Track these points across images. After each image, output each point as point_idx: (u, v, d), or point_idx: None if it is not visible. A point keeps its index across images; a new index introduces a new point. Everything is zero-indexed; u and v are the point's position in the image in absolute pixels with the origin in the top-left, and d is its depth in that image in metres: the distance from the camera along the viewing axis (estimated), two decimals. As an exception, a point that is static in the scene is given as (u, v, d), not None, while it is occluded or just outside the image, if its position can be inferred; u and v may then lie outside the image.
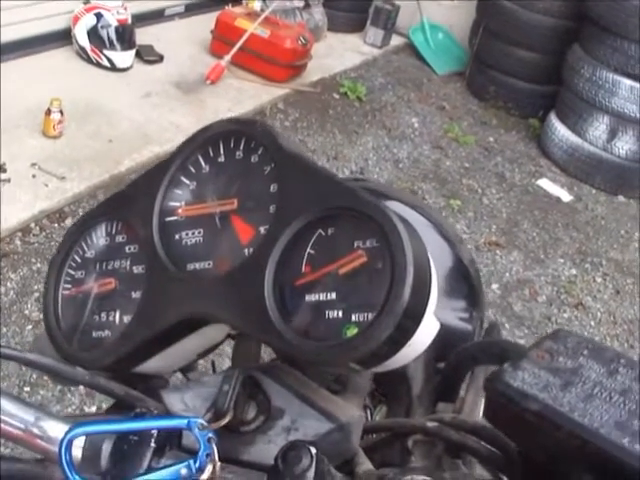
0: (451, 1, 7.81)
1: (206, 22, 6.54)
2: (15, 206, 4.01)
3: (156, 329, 0.85)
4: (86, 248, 0.95)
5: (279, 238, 0.79)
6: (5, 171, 4.18)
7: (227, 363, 1.15)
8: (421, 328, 0.76)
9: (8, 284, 3.66)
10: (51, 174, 4.29)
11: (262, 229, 0.82)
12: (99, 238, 0.94)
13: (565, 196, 6.01)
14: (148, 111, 5.29)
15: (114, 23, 5.59)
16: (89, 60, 5.67)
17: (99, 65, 5.66)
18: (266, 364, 0.96)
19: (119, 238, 0.93)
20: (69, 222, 4.02)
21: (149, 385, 0.94)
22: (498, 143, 6.62)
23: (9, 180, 4.14)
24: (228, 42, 6.11)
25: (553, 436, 0.71)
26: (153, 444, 0.76)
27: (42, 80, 5.13)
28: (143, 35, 6.08)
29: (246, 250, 0.82)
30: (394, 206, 1.05)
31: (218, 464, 0.71)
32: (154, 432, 0.76)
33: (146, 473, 0.73)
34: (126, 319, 0.88)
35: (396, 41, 7.99)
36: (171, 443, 0.79)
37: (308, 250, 0.78)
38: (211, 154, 0.90)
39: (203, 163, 0.90)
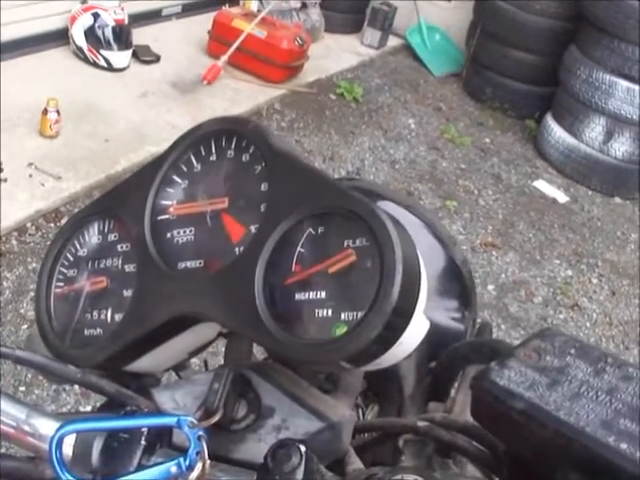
0: (448, 2, 7.81)
1: (203, 22, 6.54)
2: (11, 205, 4.01)
3: (147, 327, 0.85)
4: (78, 246, 0.95)
5: (269, 237, 0.79)
6: (2, 170, 4.17)
7: (221, 362, 1.16)
8: (411, 327, 0.76)
9: (4, 283, 3.66)
10: (47, 174, 4.29)
11: (253, 228, 0.82)
12: (91, 236, 0.95)
13: (561, 197, 6.02)
14: (145, 111, 5.29)
15: (111, 23, 5.59)
16: (86, 60, 5.68)
17: (96, 65, 5.66)
18: (257, 363, 0.97)
19: (111, 236, 0.93)
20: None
21: (141, 383, 0.94)
22: (494, 144, 6.63)
23: (5, 180, 4.14)
24: (225, 42, 6.11)
25: (539, 434, 0.71)
26: (143, 442, 0.76)
27: (39, 80, 5.13)
28: (140, 35, 6.08)
29: (237, 249, 0.82)
30: (386, 206, 1.06)
31: (208, 462, 0.72)
32: (144, 430, 0.76)
33: (136, 471, 0.73)
34: (118, 317, 0.88)
35: (393, 42, 7.99)
36: (162, 441, 0.79)
37: (298, 249, 0.79)
38: (203, 153, 0.90)
39: (195, 162, 0.90)
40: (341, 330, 0.73)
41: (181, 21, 6.99)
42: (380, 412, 1.32)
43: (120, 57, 5.71)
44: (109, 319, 0.89)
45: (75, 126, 4.80)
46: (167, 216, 0.90)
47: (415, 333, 0.78)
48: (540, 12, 6.58)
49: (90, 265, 0.93)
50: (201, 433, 0.72)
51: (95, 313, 0.90)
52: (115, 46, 5.66)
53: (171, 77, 5.90)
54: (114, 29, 5.62)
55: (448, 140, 6.43)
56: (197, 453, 0.71)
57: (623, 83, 5.91)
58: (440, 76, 7.68)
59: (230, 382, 0.80)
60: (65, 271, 0.95)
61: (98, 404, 0.94)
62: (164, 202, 0.90)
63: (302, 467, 0.71)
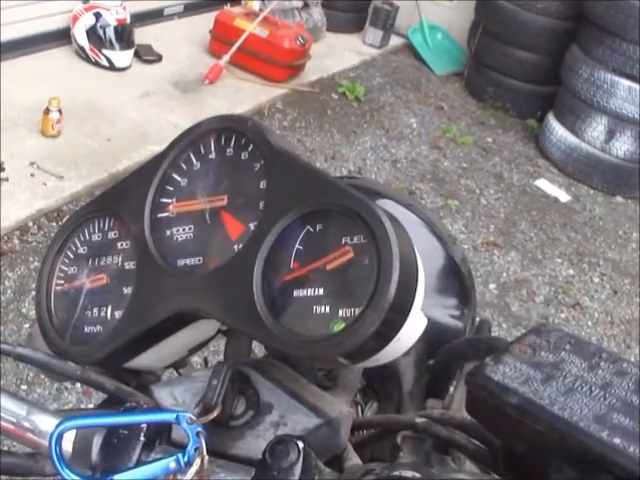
0: (450, 2, 7.81)
1: (205, 22, 6.54)
2: (13, 205, 4.01)
3: (147, 324, 0.85)
4: (79, 244, 0.96)
5: (268, 234, 0.80)
6: (4, 170, 4.18)
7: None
8: (408, 324, 0.76)
9: (6, 282, 3.67)
10: (49, 173, 4.30)
11: (251, 225, 0.83)
12: (92, 234, 0.95)
13: (563, 196, 6.01)
14: (147, 110, 5.29)
15: (113, 23, 5.59)
16: (88, 59, 5.68)
17: (98, 64, 5.67)
18: (256, 360, 0.97)
19: (111, 234, 0.93)
20: (67, 221, 4.02)
21: (140, 381, 0.95)
22: (496, 143, 6.62)
23: (7, 179, 4.15)
24: (227, 42, 6.12)
25: (533, 429, 0.71)
26: (143, 438, 0.77)
27: (41, 79, 5.14)
28: (142, 35, 6.08)
29: (235, 246, 0.83)
30: (386, 204, 1.07)
31: (206, 458, 0.72)
32: (144, 426, 0.77)
33: (135, 467, 0.74)
34: (117, 314, 0.89)
35: (395, 41, 7.99)
36: (161, 437, 0.80)
37: (296, 246, 0.79)
38: (202, 151, 0.91)
39: (194, 160, 0.91)
40: (339, 326, 0.74)
41: (183, 20, 7.00)
42: (379, 409, 1.32)
43: (122, 56, 5.71)
44: (109, 316, 0.90)
45: (77, 125, 4.81)
46: (167, 214, 0.90)
47: (413, 330, 0.79)
48: (542, 11, 6.57)
49: (90, 263, 0.94)
50: (200, 429, 0.73)
51: (95, 310, 0.91)
52: (117, 45, 5.66)
53: (173, 76, 5.90)
54: (116, 28, 5.62)
55: (450, 139, 6.43)
56: (196, 449, 0.72)
57: (625, 82, 5.90)
58: (442, 75, 7.68)
59: (229, 378, 0.80)
60: (65, 269, 0.95)
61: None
62: (164, 200, 0.91)
63: (300, 463, 0.72)
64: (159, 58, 6.06)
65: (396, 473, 0.78)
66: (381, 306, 0.71)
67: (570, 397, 0.73)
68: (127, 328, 0.87)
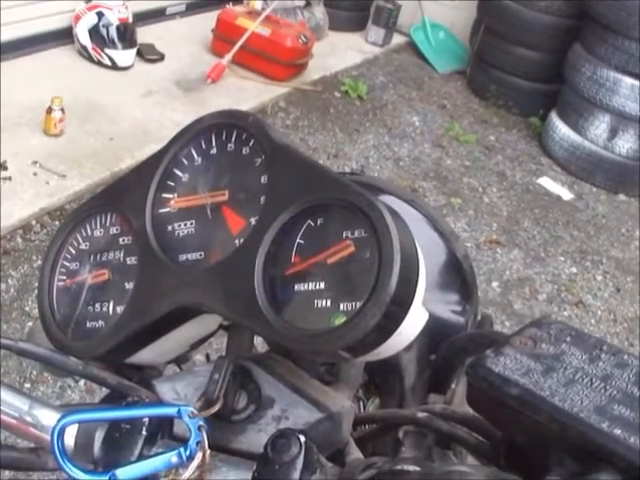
0: (452, 0, 7.81)
1: (207, 21, 6.55)
2: (16, 204, 4.02)
3: (148, 319, 0.85)
4: (80, 240, 0.96)
5: (269, 229, 0.80)
6: (6, 169, 4.19)
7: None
8: (409, 317, 0.76)
9: (9, 281, 3.67)
10: (52, 172, 4.30)
11: (252, 220, 0.83)
12: (93, 230, 0.95)
13: (566, 194, 6.01)
14: (149, 109, 5.30)
15: (115, 22, 5.60)
16: (90, 59, 5.69)
17: (100, 64, 5.68)
18: (258, 354, 0.97)
19: (113, 230, 0.94)
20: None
21: (142, 376, 0.95)
22: (499, 142, 6.63)
23: (10, 178, 4.15)
24: (229, 41, 6.12)
25: (533, 420, 0.72)
26: (144, 432, 0.77)
27: (43, 78, 5.15)
28: (144, 34, 6.09)
29: (237, 241, 0.83)
30: (387, 200, 1.07)
31: (208, 452, 0.72)
32: (145, 420, 0.77)
33: (137, 461, 0.74)
34: (119, 309, 0.89)
35: (397, 40, 8.00)
36: (163, 432, 0.80)
37: (297, 240, 0.79)
38: (203, 146, 0.91)
39: (195, 155, 0.91)
40: (340, 320, 0.74)
41: (185, 19, 7.00)
42: (381, 404, 1.32)
43: (124, 56, 5.72)
44: (111, 311, 0.90)
45: (79, 124, 4.82)
46: (168, 209, 0.90)
47: (414, 323, 0.79)
48: (544, 9, 6.57)
49: (92, 258, 0.94)
50: (201, 423, 0.73)
51: (97, 305, 0.91)
52: (119, 45, 5.67)
53: (175, 75, 5.90)
54: (118, 28, 5.63)
55: (452, 138, 6.43)
56: (197, 443, 0.72)
57: (627, 80, 5.90)
58: (444, 73, 7.68)
59: (230, 373, 0.81)
60: (67, 264, 0.96)
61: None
62: (165, 195, 0.91)
63: (302, 457, 0.72)
64: (161, 57, 6.07)
65: (398, 467, 0.78)
66: (382, 299, 0.71)
67: (571, 388, 0.73)
68: (129, 323, 0.87)
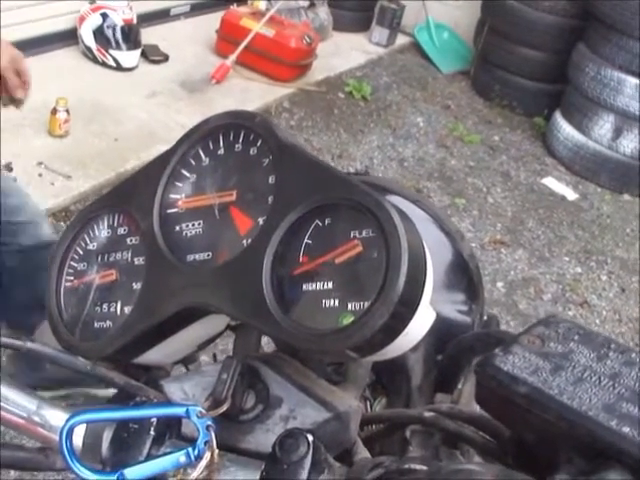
0: (456, 0, 7.80)
1: (211, 22, 6.55)
2: (21, 205, 4.02)
3: (156, 319, 0.85)
4: (88, 240, 0.96)
5: (276, 229, 0.80)
6: (12, 170, 4.19)
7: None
8: (417, 317, 0.76)
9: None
10: (57, 173, 4.31)
11: (260, 220, 0.83)
12: (101, 230, 0.96)
13: (570, 194, 6.01)
14: (153, 110, 5.30)
15: (120, 23, 5.60)
16: (95, 60, 5.69)
17: (105, 65, 5.68)
18: (265, 354, 0.97)
19: (120, 230, 0.94)
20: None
21: (150, 376, 0.95)
22: (503, 142, 6.62)
23: (15, 179, 4.15)
24: (233, 42, 6.12)
25: (542, 418, 0.72)
26: (153, 432, 0.77)
27: (48, 80, 5.13)
28: (149, 35, 6.09)
29: (244, 241, 0.83)
30: (393, 199, 1.07)
31: (216, 452, 0.72)
32: (154, 420, 0.77)
33: (146, 461, 0.74)
34: (127, 310, 0.89)
35: (401, 40, 7.99)
36: (171, 432, 0.80)
37: (305, 240, 0.79)
38: (211, 147, 0.91)
39: (203, 156, 0.91)
40: (348, 320, 0.74)
41: (189, 20, 7.00)
42: (388, 404, 1.32)
43: (129, 57, 5.72)
44: (118, 312, 0.90)
45: (84, 125, 4.82)
46: (176, 209, 0.90)
47: (421, 323, 0.79)
48: (548, 9, 6.56)
49: (100, 258, 0.94)
50: (210, 423, 0.73)
51: (105, 306, 0.91)
52: (124, 46, 5.67)
53: (180, 76, 5.91)
54: (123, 29, 5.63)
55: (457, 138, 6.43)
56: (206, 443, 0.72)
57: (631, 80, 5.90)
58: (448, 74, 7.67)
59: (238, 373, 0.81)
60: (75, 265, 0.96)
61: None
62: (173, 196, 0.91)
63: (310, 457, 0.72)
64: (166, 58, 6.07)
65: (405, 466, 0.78)
66: (390, 299, 0.71)
67: (579, 387, 0.73)
68: (136, 323, 0.87)
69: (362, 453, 0.90)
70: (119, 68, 5.70)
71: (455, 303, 1.39)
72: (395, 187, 1.46)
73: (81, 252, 0.96)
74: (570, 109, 6.40)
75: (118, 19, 5.59)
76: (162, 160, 0.93)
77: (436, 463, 0.81)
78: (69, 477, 0.73)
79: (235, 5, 6.54)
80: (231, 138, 0.90)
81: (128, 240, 0.93)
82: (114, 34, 5.63)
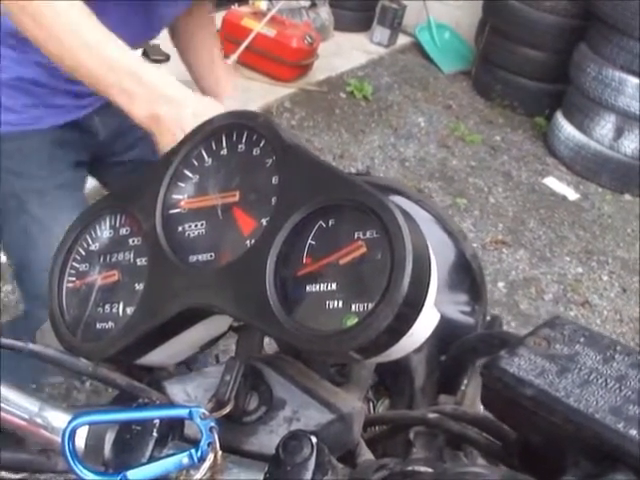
0: (457, 0, 7.80)
1: (212, 21, 6.54)
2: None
3: (158, 320, 0.85)
4: (90, 241, 0.96)
5: (280, 230, 0.80)
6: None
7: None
8: (421, 318, 0.76)
9: (14, 282, 3.67)
10: (58, 173, 4.29)
11: (263, 221, 0.82)
12: (103, 231, 0.95)
13: (571, 194, 6.01)
14: (155, 110, 5.28)
15: (121, 22, 5.59)
16: (96, 59, 5.67)
17: (106, 64, 5.66)
18: (268, 355, 0.97)
19: (123, 231, 0.94)
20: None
21: (152, 377, 0.95)
22: (504, 142, 6.62)
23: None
24: (234, 41, 6.11)
25: (549, 421, 0.71)
26: (155, 434, 0.77)
27: (49, 79, 5.14)
28: (149, 34, 6.08)
29: (248, 242, 0.83)
30: (396, 200, 1.06)
31: (220, 453, 0.72)
32: (156, 422, 0.77)
33: (148, 463, 0.74)
34: (129, 311, 0.89)
35: (402, 40, 7.99)
36: (173, 433, 0.80)
37: (309, 241, 0.79)
38: (214, 147, 0.91)
39: (206, 156, 0.91)
40: (352, 321, 0.73)
41: (190, 20, 6.99)
42: (391, 405, 1.32)
43: (130, 56, 5.70)
44: (121, 313, 0.90)
45: (85, 125, 4.80)
46: (178, 210, 0.90)
47: (425, 324, 0.78)
48: (549, 9, 6.56)
49: (102, 259, 0.94)
50: (213, 424, 0.73)
51: (107, 307, 0.91)
52: (125, 45, 5.66)
53: (181, 76, 5.85)
54: (124, 28, 5.62)
55: (458, 138, 6.43)
56: (209, 444, 0.72)
57: (633, 80, 5.89)
58: (449, 74, 7.68)
59: (241, 374, 0.81)
60: (77, 265, 0.95)
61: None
62: (175, 196, 0.91)
63: (313, 458, 0.72)
64: (167, 58, 6.05)
65: (409, 468, 0.78)
66: (394, 300, 0.71)
67: (585, 389, 0.73)
68: (139, 324, 0.86)
69: (365, 455, 0.90)
70: (120, 68, 5.67)
71: (458, 304, 1.39)
72: (397, 186, 1.45)
73: (83, 253, 0.96)
74: (571, 109, 6.40)
75: (119, 19, 5.58)
76: (165, 160, 0.93)
77: (441, 465, 0.81)
78: (72, 479, 0.73)
79: (236, 5, 6.53)
80: (234, 138, 0.90)
81: (130, 241, 0.92)
82: (115, 33, 5.61)
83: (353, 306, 0.74)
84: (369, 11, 7.80)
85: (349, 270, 0.76)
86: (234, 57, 6.02)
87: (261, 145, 0.87)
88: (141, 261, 0.90)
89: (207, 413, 0.74)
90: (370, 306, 0.73)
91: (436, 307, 0.80)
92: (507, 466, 0.89)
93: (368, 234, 0.76)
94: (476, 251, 1.48)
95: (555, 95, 6.77)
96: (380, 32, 7.74)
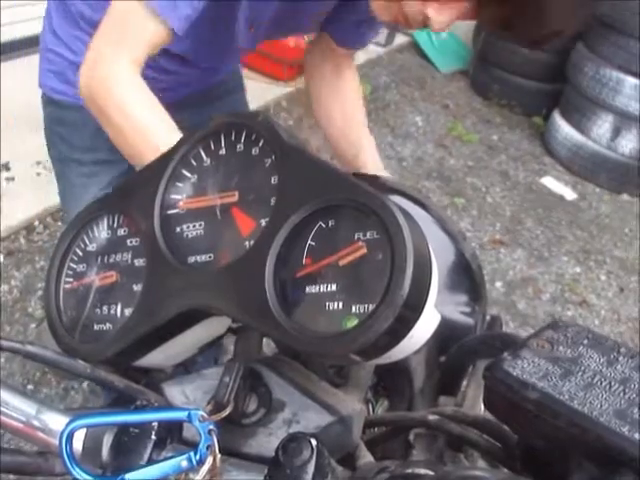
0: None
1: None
2: (19, 204, 4.02)
3: (157, 322, 0.84)
4: (88, 241, 0.95)
5: (279, 230, 0.79)
6: (9, 169, 4.18)
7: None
8: (421, 320, 0.75)
9: (12, 282, 3.67)
10: (55, 172, 4.29)
11: (263, 221, 0.82)
12: (101, 231, 0.95)
13: (569, 194, 6.01)
14: (152, 110, 5.28)
15: (118, 22, 5.58)
16: (93, 59, 5.67)
17: (103, 64, 5.66)
18: (268, 357, 0.96)
19: (120, 231, 0.93)
20: (73, 220, 4.03)
21: (151, 379, 0.94)
22: (502, 141, 6.62)
23: (13, 178, 4.15)
24: (232, 41, 6.10)
25: (552, 424, 0.71)
26: (154, 437, 0.76)
27: (46, 79, 5.13)
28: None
29: (247, 242, 0.82)
30: (396, 200, 1.06)
31: (219, 456, 0.71)
32: (155, 425, 0.76)
33: (147, 465, 0.73)
34: (127, 312, 0.88)
35: (400, 40, 8.00)
36: (172, 436, 0.79)
37: (309, 242, 0.78)
38: (212, 147, 0.90)
39: (204, 156, 0.90)
40: (352, 322, 0.73)
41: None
42: (390, 407, 1.32)
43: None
44: (119, 314, 0.89)
45: (83, 125, 4.80)
46: (177, 210, 0.89)
47: (426, 326, 0.78)
48: (547, 9, 6.55)
49: (99, 260, 0.93)
50: (212, 427, 0.72)
51: (105, 308, 0.90)
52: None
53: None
54: (121, 28, 5.61)
55: (455, 137, 6.43)
56: (208, 447, 0.71)
57: (630, 80, 5.89)
58: (447, 73, 7.69)
59: (240, 376, 0.80)
60: (75, 266, 0.95)
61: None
62: (174, 196, 0.90)
63: (313, 461, 0.71)
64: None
65: (409, 471, 0.78)
66: (395, 302, 0.70)
67: (589, 392, 0.72)
68: (137, 326, 0.86)
69: (365, 457, 0.90)
70: (117, 67, 5.67)
71: (458, 304, 1.38)
72: (397, 187, 1.45)
73: (81, 253, 0.95)
74: (569, 109, 6.40)
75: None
76: (163, 161, 0.92)
77: (442, 468, 0.80)
78: (69, 481, 0.72)
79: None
80: (233, 138, 0.89)
81: (128, 241, 0.92)
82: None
83: (353, 307, 0.74)
84: (367, 10, 7.79)
85: (349, 271, 0.75)
86: (232, 56, 6.01)
87: (260, 145, 0.86)
88: (139, 262, 0.89)
89: (206, 415, 0.73)
90: (370, 307, 0.72)
91: (436, 307, 0.79)
92: (508, 468, 0.88)
93: (368, 235, 0.75)
94: (475, 251, 1.47)
95: (553, 95, 6.77)
96: (377, 31, 7.73)
